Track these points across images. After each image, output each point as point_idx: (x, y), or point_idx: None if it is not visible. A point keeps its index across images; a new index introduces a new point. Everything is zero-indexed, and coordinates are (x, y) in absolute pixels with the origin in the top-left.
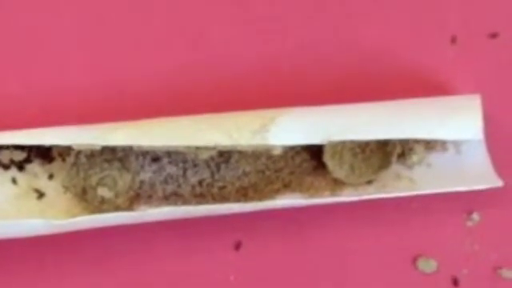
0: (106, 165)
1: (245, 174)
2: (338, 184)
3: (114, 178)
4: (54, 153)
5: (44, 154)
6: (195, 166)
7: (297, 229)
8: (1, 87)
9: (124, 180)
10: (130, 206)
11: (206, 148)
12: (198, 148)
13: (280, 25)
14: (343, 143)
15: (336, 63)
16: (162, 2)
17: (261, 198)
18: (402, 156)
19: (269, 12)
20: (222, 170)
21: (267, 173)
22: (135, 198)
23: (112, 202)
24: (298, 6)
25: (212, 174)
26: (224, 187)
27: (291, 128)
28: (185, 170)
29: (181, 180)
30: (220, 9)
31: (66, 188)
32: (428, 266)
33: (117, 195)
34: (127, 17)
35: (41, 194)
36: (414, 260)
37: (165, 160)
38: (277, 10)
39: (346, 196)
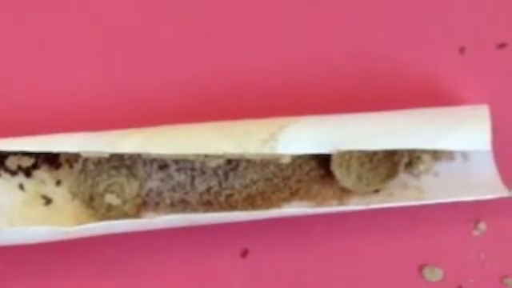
0: (113, 172)
1: (252, 182)
2: (345, 193)
3: (122, 185)
4: (62, 159)
5: (51, 160)
6: (203, 173)
7: (304, 237)
8: (9, 94)
9: (131, 187)
10: (137, 213)
11: (214, 156)
12: (206, 156)
13: (289, 34)
14: (351, 152)
15: (345, 73)
16: (172, 10)
17: (268, 206)
18: (410, 165)
19: (279, 21)
20: (230, 178)
21: (275, 181)
22: (142, 205)
23: (119, 209)
24: (308, 15)
25: (220, 182)
26: (232, 195)
27: (300, 137)
28: (192, 178)
29: (188, 188)
30: (231, 18)
31: (74, 194)
32: (434, 274)
33: (124, 202)
34: (137, 24)
35: (48, 201)
36: (420, 269)
37: (172, 167)
38: (287, 19)
39: (353, 205)
